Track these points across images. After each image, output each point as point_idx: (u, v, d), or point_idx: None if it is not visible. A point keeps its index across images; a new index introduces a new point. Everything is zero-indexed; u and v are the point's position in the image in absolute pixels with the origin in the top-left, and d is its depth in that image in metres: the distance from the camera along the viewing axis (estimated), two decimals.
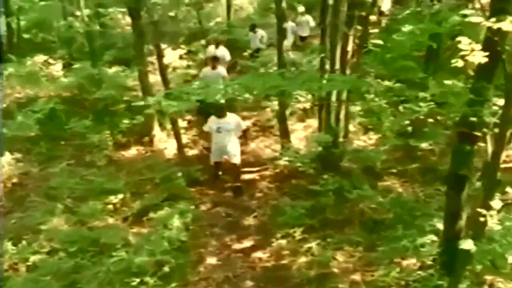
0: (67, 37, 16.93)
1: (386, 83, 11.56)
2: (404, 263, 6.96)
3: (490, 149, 5.27)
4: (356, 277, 7.07)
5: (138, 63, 11.56)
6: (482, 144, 5.73)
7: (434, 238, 6.88)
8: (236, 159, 9.39)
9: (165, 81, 10.57)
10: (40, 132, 11.82)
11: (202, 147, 10.99)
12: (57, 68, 15.49)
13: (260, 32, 14.23)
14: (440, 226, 6.90)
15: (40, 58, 15.64)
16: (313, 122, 11.36)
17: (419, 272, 6.33)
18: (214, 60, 11.79)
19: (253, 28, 14.51)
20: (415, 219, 7.44)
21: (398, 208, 7.82)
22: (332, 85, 7.22)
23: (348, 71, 9.42)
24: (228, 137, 9.20)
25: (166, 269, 6.88)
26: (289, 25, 13.99)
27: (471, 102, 5.26)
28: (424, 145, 9.76)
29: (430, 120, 10.31)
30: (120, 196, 8.83)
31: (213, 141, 9.38)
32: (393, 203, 8.07)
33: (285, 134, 10.26)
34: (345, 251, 7.52)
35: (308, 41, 15.53)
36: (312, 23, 15.35)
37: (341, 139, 9.66)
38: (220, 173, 9.77)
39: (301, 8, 15.48)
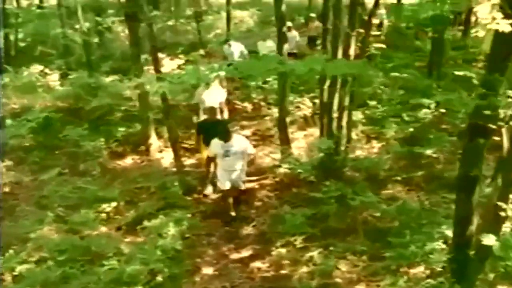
0: (65, 47, 16.68)
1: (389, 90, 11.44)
2: (412, 272, 6.59)
3: (506, 144, 4.94)
4: (361, 287, 6.70)
5: (135, 71, 11.29)
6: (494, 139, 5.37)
7: (443, 246, 6.53)
8: (244, 185, 8.65)
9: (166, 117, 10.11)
10: (34, 141, 11.56)
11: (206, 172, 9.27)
12: (53, 78, 15.26)
13: (235, 46, 13.93)
14: (449, 233, 6.55)
15: (37, 68, 15.45)
16: (315, 131, 11.06)
17: (429, 280, 5.94)
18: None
19: (227, 41, 14.37)
20: (422, 227, 7.06)
21: (404, 216, 7.44)
22: (336, 68, 6.86)
23: None
24: (237, 161, 8.28)
25: (159, 278, 6.52)
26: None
27: (483, 95, 4.93)
28: (429, 152, 9.41)
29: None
30: (114, 204, 8.47)
31: (220, 167, 8.38)
32: (399, 211, 7.70)
33: (285, 141, 9.94)
34: (348, 260, 7.14)
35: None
36: (298, 39, 15.26)
37: (343, 148, 9.33)
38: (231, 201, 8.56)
39: (288, 23, 15.00)
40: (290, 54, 13.31)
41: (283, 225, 7.72)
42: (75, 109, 12.92)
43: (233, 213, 8.45)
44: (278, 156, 10.22)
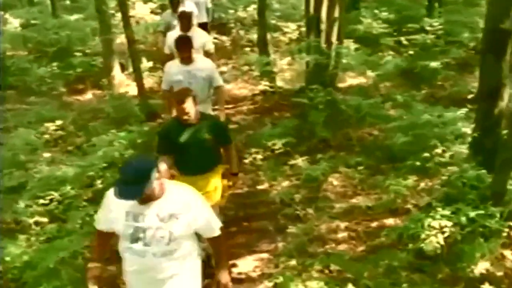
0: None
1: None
2: (422, 184, 5.21)
3: None
4: (357, 201, 5.34)
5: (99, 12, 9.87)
6: None
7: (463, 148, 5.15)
8: None
9: (126, 24, 8.70)
10: None
11: None
12: (15, 25, 13.79)
13: None
14: (467, 130, 5.22)
15: None
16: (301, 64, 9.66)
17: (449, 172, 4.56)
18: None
19: None
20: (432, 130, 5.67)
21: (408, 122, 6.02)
22: None
23: None
24: (170, 263, 2.88)
25: (99, 185, 5.10)
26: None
27: None
28: (433, 65, 8.01)
29: None
30: (59, 122, 7.05)
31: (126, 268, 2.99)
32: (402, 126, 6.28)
33: (265, 52, 8.49)
34: (341, 173, 5.78)
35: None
36: (210, 5, 10.46)
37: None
38: None
39: None
40: (201, 25, 9.06)
41: (261, 138, 6.32)
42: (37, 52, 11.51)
43: None
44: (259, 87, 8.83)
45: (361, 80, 8.96)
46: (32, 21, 13.23)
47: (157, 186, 2.74)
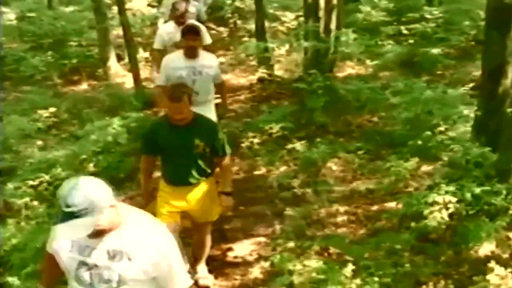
0: None
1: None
2: (423, 167, 5.06)
3: None
4: (356, 185, 5.20)
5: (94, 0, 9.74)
6: None
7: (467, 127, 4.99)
8: None
9: (121, 12, 8.57)
10: None
11: None
12: (10, 17, 13.65)
13: None
14: (467, 111, 5.09)
15: None
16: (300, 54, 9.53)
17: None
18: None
19: None
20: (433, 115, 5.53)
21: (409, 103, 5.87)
22: None
23: None
24: None
25: (91, 168, 4.95)
26: None
27: None
28: (435, 51, 7.86)
29: None
30: (53, 109, 6.90)
31: None
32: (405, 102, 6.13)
33: (263, 41, 8.34)
34: (340, 159, 5.63)
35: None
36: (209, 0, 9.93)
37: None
38: None
39: None
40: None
41: (258, 123, 6.18)
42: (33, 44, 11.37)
43: None
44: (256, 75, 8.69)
45: (360, 69, 8.84)
46: (28, 14, 13.17)
47: (112, 217, 2.11)
